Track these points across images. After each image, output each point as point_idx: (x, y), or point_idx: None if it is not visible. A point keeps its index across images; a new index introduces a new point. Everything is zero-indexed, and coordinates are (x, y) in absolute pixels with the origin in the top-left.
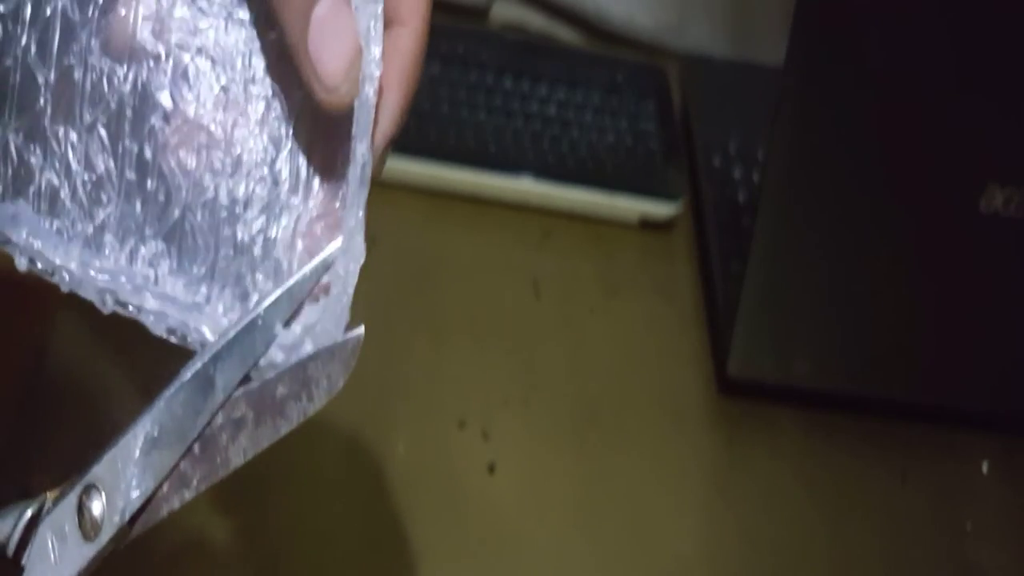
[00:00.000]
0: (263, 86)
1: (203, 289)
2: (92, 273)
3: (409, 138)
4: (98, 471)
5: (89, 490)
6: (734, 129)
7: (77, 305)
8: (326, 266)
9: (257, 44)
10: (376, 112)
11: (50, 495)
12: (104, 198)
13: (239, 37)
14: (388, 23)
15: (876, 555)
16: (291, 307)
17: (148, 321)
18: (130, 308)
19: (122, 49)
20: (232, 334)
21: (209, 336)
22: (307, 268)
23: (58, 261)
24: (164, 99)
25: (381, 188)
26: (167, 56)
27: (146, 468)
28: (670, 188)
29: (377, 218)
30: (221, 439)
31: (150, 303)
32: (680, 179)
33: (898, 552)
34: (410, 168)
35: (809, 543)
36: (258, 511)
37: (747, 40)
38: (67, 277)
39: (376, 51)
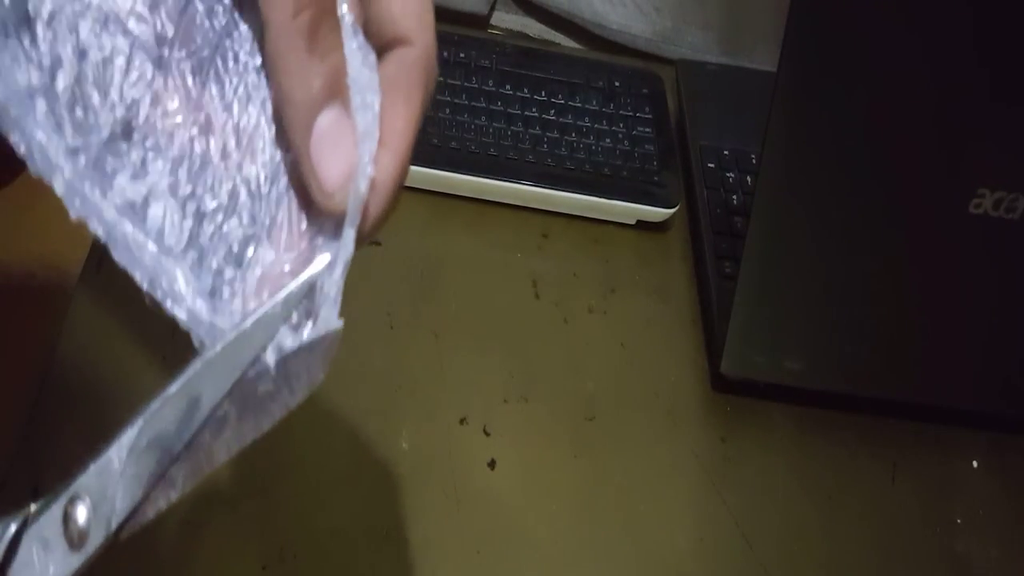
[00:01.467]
0: (260, 135)
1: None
2: (65, 163)
3: None
4: (84, 481)
5: (74, 500)
6: (728, 132)
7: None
8: (310, 284)
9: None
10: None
11: (34, 507)
12: (87, 125)
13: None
14: (396, 43)
15: (868, 548)
16: (276, 328)
17: (115, 247)
18: (100, 224)
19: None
20: (219, 349)
21: (181, 287)
22: (292, 286)
23: (37, 136)
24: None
25: None
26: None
27: (133, 478)
28: (666, 193)
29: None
30: (204, 437)
31: (125, 228)
32: (676, 184)
33: (889, 545)
34: (413, 172)
35: (802, 537)
36: (264, 505)
37: (741, 46)
38: (38, 158)
39: (372, 147)
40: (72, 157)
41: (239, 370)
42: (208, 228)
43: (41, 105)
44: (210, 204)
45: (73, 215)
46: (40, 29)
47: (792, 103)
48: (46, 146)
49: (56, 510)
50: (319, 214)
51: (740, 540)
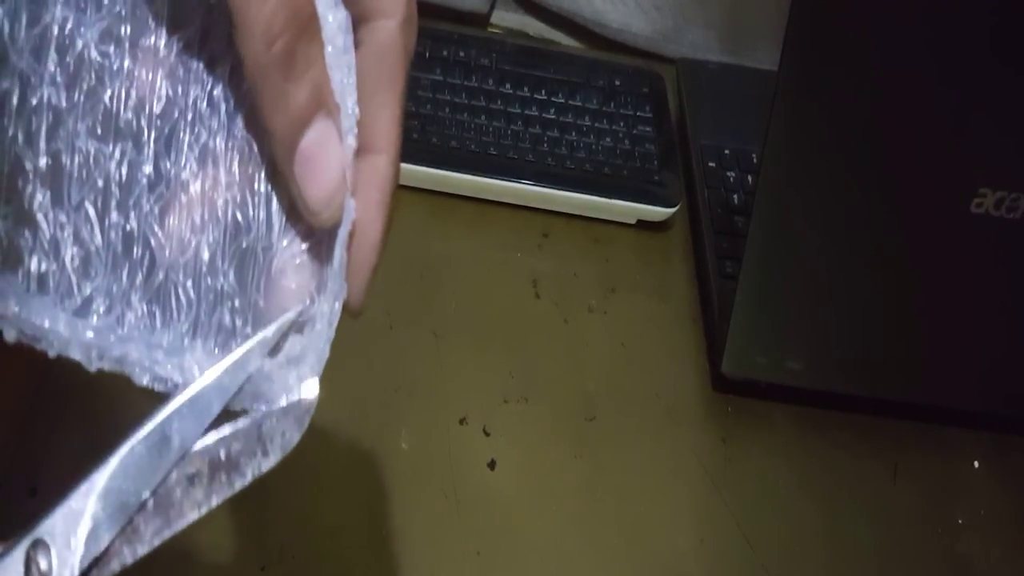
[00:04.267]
0: (240, 139)
1: (186, 341)
2: (79, 332)
3: (411, 142)
4: (48, 525)
5: (37, 545)
6: (729, 131)
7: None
8: (297, 320)
9: (233, 99)
10: (356, 249)
11: None
12: (92, 272)
13: (221, 96)
14: (363, 150)
15: (869, 549)
16: (251, 368)
17: (134, 372)
18: (115, 360)
19: (107, 130)
20: (192, 392)
21: (196, 376)
22: (278, 322)
23: (46, 325)
24: (147, 170)
25: None
26: (149, 129)
27: (98, 525)
28: (667, 192)
29: None
30: (175, 494)
31: (134, 354)
32: (676, 183)
33: (891, 546)
34: (412, 171)
35: (803, 537)
36: (263, 506)
37: (742, 45)
38: (54, 341)
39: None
40: (84, 321)
41: (210, 415)
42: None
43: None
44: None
45: (94, 369)
46: None
47: (793, 102)
48: (57, 329)
49: (18, 554)
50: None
51: (740, 540)
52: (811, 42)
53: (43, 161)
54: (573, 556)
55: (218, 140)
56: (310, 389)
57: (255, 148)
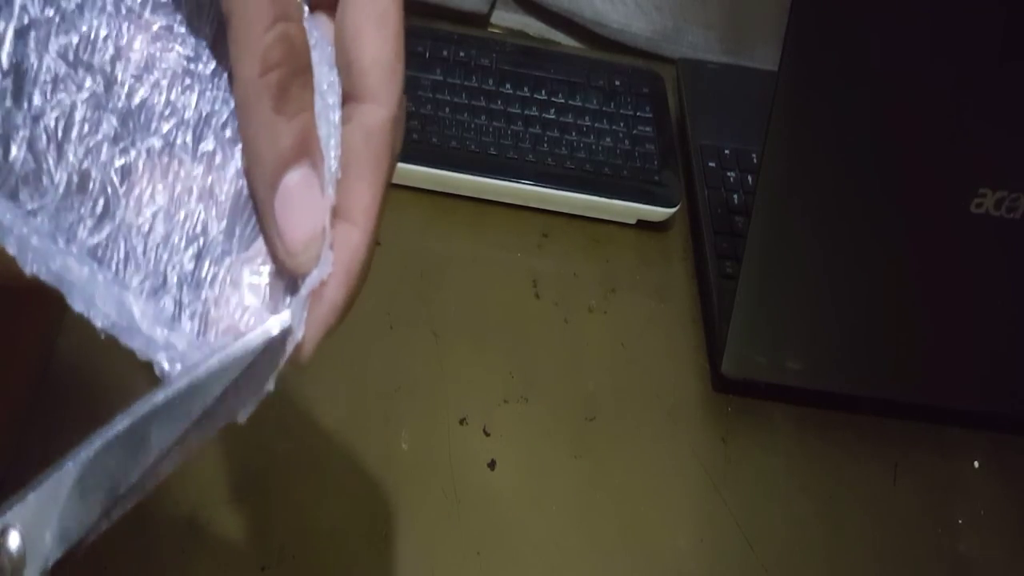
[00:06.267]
0: (217, 144)
1: (128, 296)
2: (22, 225)
3: (411, 142)
4: (20, 511)
5: (7, 531)
6: (729, 132)
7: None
8: (268, 338)
9: (221, 105)
10: (317, 304)
11: None
12: (41, 187)
13: (210, 94)
14: (339, 217)
15: (869, 548)
16: (232, 375)
17: (71, 294)
18: (53, 274)
19: (78, 59)
20: (171, 394)
21: (135, 318)
22: (252, 337)
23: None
24: (114, 121)
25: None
26: (123, 81)
27: (72, 517)
28: (667, 192)
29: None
30: (149, 475)
31: (75, 274)
32: (676, 183)
33: (890, 546)
34: (412, 171)
35: (803, 537)
36: (263, 506)
37: (742, 45)
38: None
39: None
40: (28, 219)
41: (190, 419)
42: (175, 259)
43: None
44: (177, 241)
45: (28, 271)
46: None
47: (793, 102)
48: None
49: None
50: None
51: (740, 540)
52: (811, 42)
53: (5, 57)
54: (573, 556)
55: (191, 133)
56: (278, 326)
57: (232, 160)
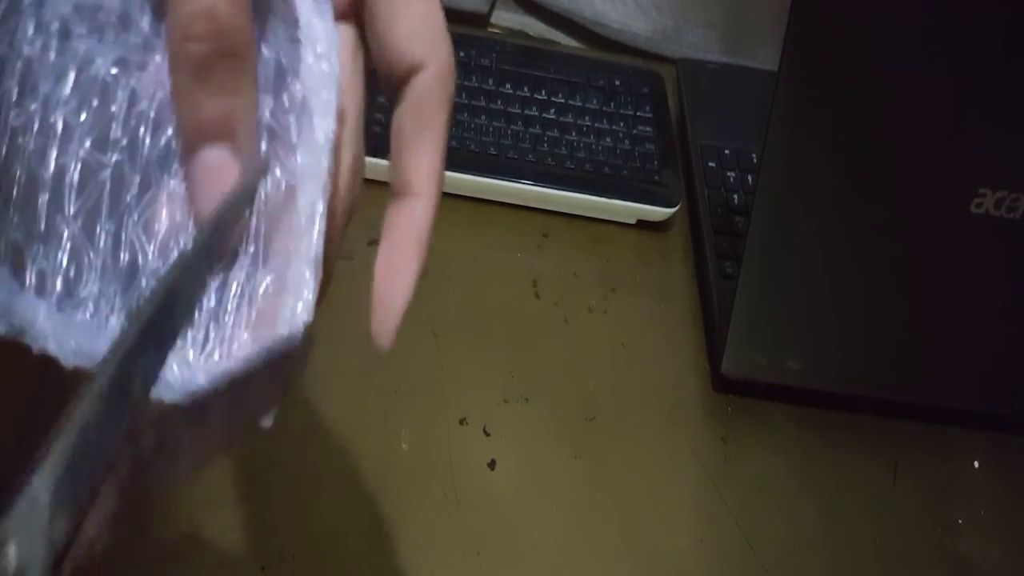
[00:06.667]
0: None
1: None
2: (60, 328)
3: None
4: (9, 523)
5: (3, 546)
6: (729, 131)
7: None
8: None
9: None
10: (388, 289)
11: None
12: (83, 279)
13: None
14: (401, 194)
15: (869, 548)
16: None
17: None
18: (90, 357)
19: (105, 140)
20: (137, 330)
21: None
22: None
23: (31, 317)
24: (137, 179)
25: (383, 189)
26: (144, 138)
27: (60, 508)
28: (667, 192)
29: (379, 219)
30: (155, 466)
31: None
32: (676, 183)
33: (891, 546)
34: None
35: (803, 537)
36: (263, 506)
37: (742, 45)
38: (37, 335)
39: (320, 182)
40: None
41: (170, 346)
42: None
43: None
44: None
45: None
46: None
47: (793, 102)
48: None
49: None
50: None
51: (741, 540)
52: (811, 42)
53: (51, 173)
54: (573, 556)
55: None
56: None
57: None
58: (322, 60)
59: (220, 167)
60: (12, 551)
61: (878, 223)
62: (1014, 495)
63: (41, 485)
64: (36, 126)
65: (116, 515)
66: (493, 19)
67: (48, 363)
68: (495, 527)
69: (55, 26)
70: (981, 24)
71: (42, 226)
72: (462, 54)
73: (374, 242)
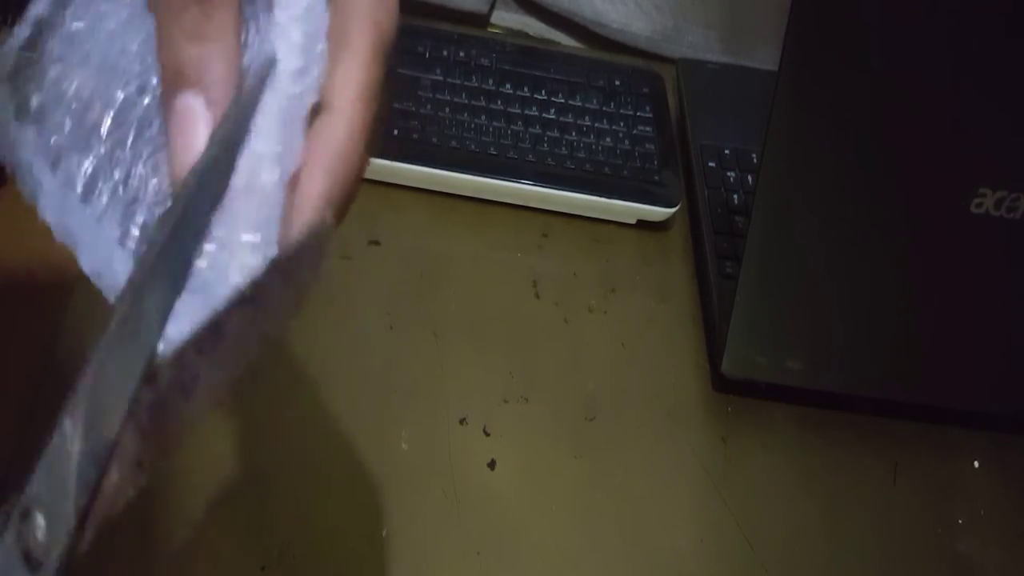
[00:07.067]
0: None
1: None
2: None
3: (411, 142)
4: (32, 493)
5: (28, 515)
6: (729, 131)
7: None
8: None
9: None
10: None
11: None
12: (98, 191)
13: None
14: (320, 109)
15: (869, 548)
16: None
17: (79, 252)
18: (67, 234)
19: (146, 86)
20: (150, 264)
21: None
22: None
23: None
24: (157, 123)
25: (383, 189)
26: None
27: (85, 472)
28: (667, 192)
29: (379, 219)
30: (170, 402)
31: (86, 239)
32: (676, 183)
33: (891, 546)
34: (412, 171)
35: (803, 537)
36: (263, 505)
37: (742, 45)
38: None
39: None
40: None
41: (186, 268)
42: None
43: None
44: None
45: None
46: None
47: (793, 102)
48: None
49: (8, 538)
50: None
51: (741, 540)
52: (811, 42)
53: (103, 102)
54: (573, 556)
55: None
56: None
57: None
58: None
59: (192, 116)
60: (39, 520)
61: (878, 223)
62: (1014, 495)
63: (60, 453)
64: (101, 65)
65: (138, 465)
66: (493, 19)
67: (48, 363)
68: (495, 527)
69: None
70: (981, 24)
71: (84, 140)
72: (462, 54)
73: (374, 242)
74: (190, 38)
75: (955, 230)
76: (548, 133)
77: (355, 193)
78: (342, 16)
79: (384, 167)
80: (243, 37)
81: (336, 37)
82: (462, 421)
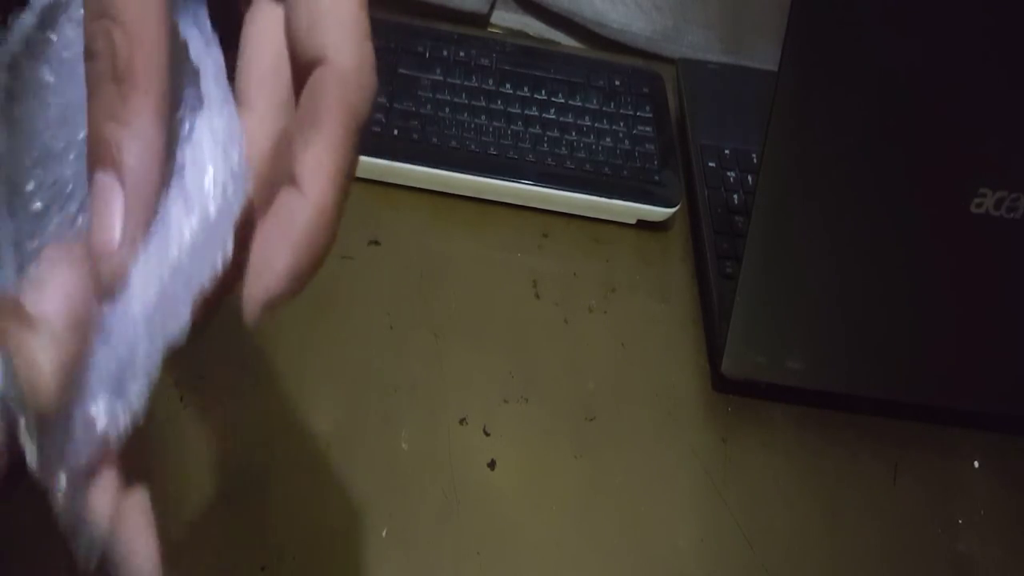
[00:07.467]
0: None
1: None
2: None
3: (411, 142)
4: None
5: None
6: (729, 131)
7: None
8: None
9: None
10: (260, 262)
11: None
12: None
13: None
14: (289, 185)
15: (869, 548)
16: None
17: None
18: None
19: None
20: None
21: None
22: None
23: None
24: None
25: (383, 189)
26: None
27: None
28: (667, 192)
29: (379, 219)
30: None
31: None
32: (676, 183)
33: (891, 546)
34: (412, 171)
35: (803, 537)
36: (263, 505)
37: (742, 45)
38: None
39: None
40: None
41: None
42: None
43: None
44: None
45: None
46: None
47: (793, 102)
48: None
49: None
50: None
51: (741, 540)
52: (811, 42)
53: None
54: (573, 556)
55: None
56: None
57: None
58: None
59: (108, 194)
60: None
61: (878, 223)
62: (1014, 495)
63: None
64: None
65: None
66: (493, 19)
67: None
68: (495, 527)
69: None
70: (981, 24)
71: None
72: (462, 54)
73: (374, 242)
74: (107, 118)
75: (955, 230)
76: (548, 133)
77: (318, 269)
78: (315, 97)
79: (384, 167)
80: (177, 123)
81: (308, 118)
82: (462, 421)
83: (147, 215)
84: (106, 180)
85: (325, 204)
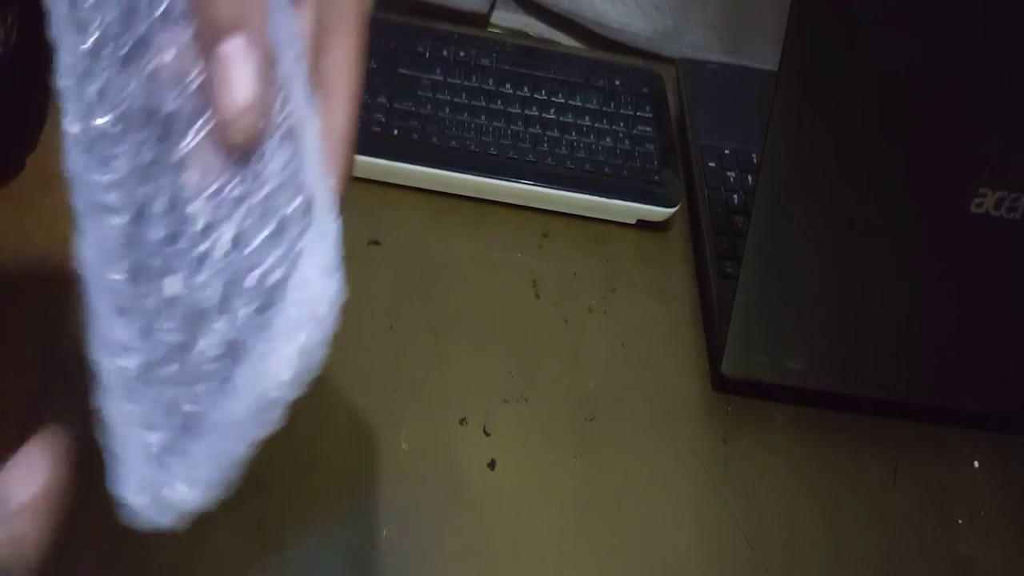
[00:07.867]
0: None
1: None
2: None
3: (411, 142)
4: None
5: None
6: (729, 131)
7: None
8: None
9: None
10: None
11: None
12: None
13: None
14: (317, 91)
15: (869, 548)
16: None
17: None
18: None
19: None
20: None
21: None
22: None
23: None
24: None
25: (383, 189)
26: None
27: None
28: (667, 192)
29: (379, 219)
30: None
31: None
32: (676, 183)
33: (891, 546)
34: (412, 171)
35: (803, 537)
36: (264, 505)
37: (742, 44)
38: None
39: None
40: None
41: None
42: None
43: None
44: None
45: None
46: None
47: (793, 102)
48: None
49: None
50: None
51: (741, 541)
52: (811, 42)
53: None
54: (573, 556)
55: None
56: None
57: None
58: None
59: (239, 56)
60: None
61: (878, 223)
62: (1014, 495)
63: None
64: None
65: None
66: (493, 19)
67: (51, 359)
68: (495, 527)
69: None
70: (981, 24)
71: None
72: (462, 54)
73: (374, 242)
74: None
75: (955, 230)
76: (548, 133)
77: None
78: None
79: (384, 167)
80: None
81: (324, 24)
82: (462, 421)
83: (274, 83)
84: (234, 44)
85: (352, 108)
